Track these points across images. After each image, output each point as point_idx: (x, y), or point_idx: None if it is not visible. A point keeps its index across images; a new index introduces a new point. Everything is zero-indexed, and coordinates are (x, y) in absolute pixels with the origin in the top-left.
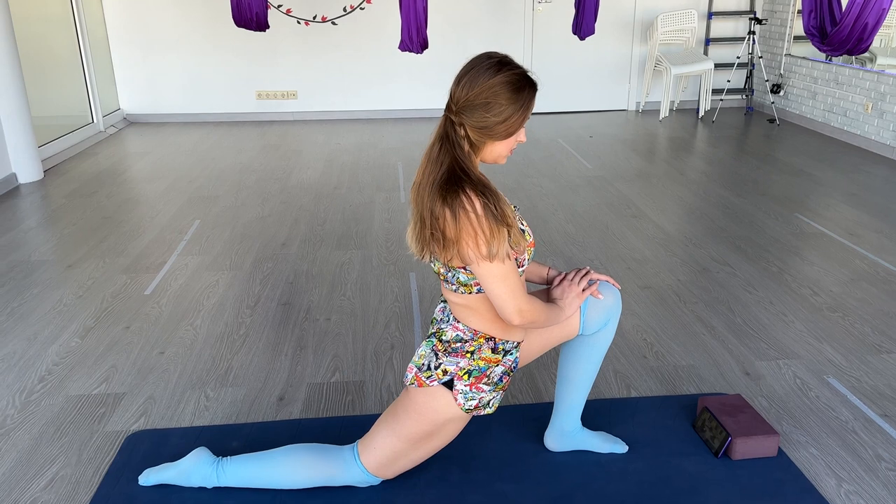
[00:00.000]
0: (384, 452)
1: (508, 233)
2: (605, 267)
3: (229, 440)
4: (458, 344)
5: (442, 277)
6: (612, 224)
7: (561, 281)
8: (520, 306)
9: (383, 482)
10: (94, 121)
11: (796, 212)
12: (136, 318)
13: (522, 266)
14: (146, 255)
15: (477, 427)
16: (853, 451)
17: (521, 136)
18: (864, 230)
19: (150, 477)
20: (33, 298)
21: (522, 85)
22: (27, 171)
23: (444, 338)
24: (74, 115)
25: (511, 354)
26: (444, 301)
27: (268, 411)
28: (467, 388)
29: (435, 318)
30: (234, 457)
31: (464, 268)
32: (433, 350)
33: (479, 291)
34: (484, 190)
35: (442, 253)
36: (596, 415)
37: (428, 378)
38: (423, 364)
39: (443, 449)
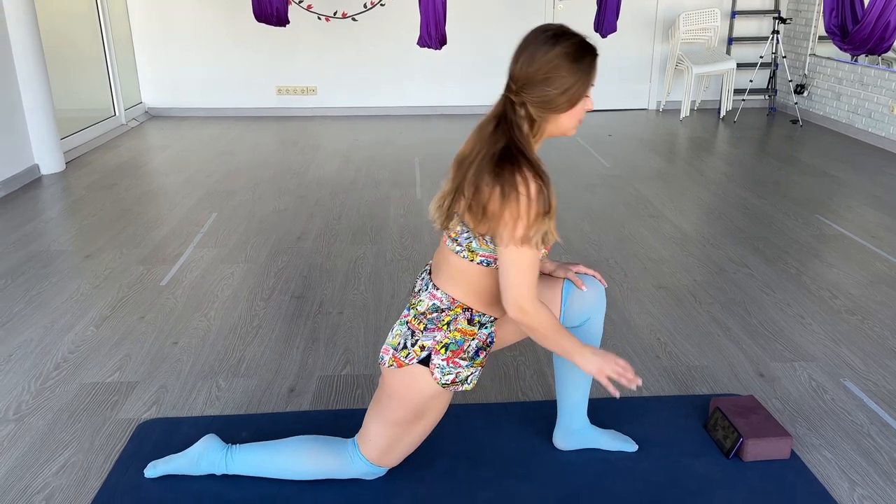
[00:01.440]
0: (380, 441)
1: (549, 226)
2: (621, 266)
3: (239, 430)
4: (434, 314)
5: (452, 235)
6: (629, 223)
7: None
8: (523, 304)
9: (390, 474)
10: (116, 114)
11: (817, 213)
12: (152, 308)
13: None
14: (163, 246)
15: (486, 422)
16: (868, 455)
17: (588, 104)
18: (886, 232)
19: (158, 468)
20: (51, 287)
21: (582, 53)
22: (49, 162)
23: (419, 307)
24: (97, 108)
25: (486, 328)
26: (425, 271)
27: (278, 402)
28: (444, 363)
29: (415, 289)
30: (243, 444)
31: (483, 236)
32: (408, 326)
33: (480, 263)
34: (541, 174)
35: (476, 224)
36: (606, 413)
37: (406, 357)
38: (398, 343)
39: (451, 445)
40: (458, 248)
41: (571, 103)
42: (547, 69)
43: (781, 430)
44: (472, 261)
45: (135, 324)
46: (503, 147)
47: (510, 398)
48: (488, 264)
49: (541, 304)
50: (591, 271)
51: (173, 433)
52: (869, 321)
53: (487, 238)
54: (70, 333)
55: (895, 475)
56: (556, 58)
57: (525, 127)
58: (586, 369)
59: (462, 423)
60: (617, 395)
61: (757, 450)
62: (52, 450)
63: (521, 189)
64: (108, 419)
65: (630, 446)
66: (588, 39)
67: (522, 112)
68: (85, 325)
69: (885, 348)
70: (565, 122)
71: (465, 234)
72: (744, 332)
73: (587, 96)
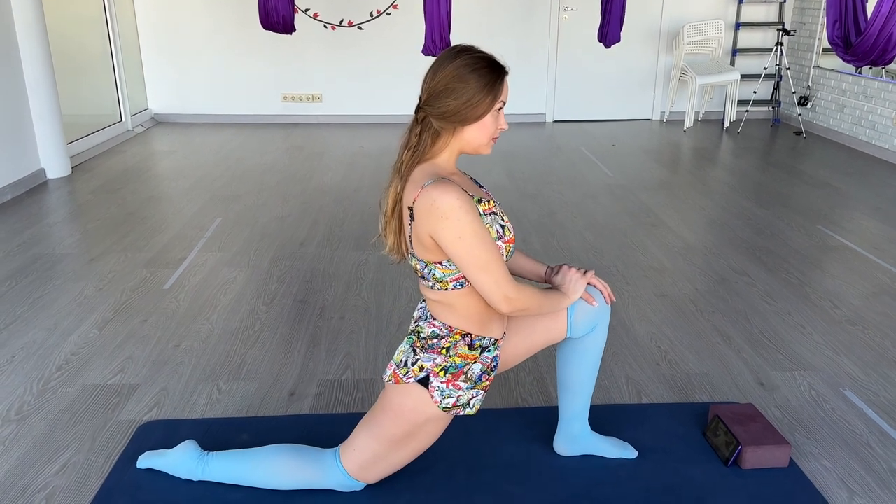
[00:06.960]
0: (364, 455)
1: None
2: (622, 274)
3: (239, 433)
4: (435, 340)
5: (419, 274)
6: (632, 232)
7: (559, 269)
8: (508, 294)
9: (388, 480)
10: (123, 119)
11: (820, 224)
12: (154, 311)
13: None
14: (167, 250)
15: (485, 428)
16: (867, 464)
17: (501, 122)
18: (888, 244)
19: (146, 461)
20: (55, 290)
21: (481, 65)
22: (55, 166)
23: (421, 334)
24: (104, 114)
25: (489, 352)
26: (424, 300)
27: (278, 406)
28: (444, 386)
29: (413, 317)
30: (220, 452)
31: (439, 262)
32: (412, 346)
33: (454, 288)
34: (444, 178)
35: (423, 253)
36: (606, 420)
37: (405, 375)
38: (401, 360)
39: (450, 450)
40: (427, 282)
41: (476, 116)
42: (448, 80)
43: (780, 439)
44: (445, 290)
45: (137, 327)
46: (405, 175)
47: (510, 404)
48: (462, 285)
49: (520, 285)
50: (599, 285)
51: (173, 435)
52: (870, 332)
53: (444, 262)
54: (73, 335)
55: (894, 484)
56: (457, 69)
57: (427, 141)
58: (578, 296)
59: (461, 428)
60: (595, 304)
61: (755, 458)
62: (53, 450)
63: (432, 198)
64: (109, 420)
65: (630, 453)
66: (496, 58)
67: (429, 125)
68: (88, 327)
69: (886, 358)
70: (473, 137)
71: (426, 268)
72: (744, 340)
73: (496, 112)
